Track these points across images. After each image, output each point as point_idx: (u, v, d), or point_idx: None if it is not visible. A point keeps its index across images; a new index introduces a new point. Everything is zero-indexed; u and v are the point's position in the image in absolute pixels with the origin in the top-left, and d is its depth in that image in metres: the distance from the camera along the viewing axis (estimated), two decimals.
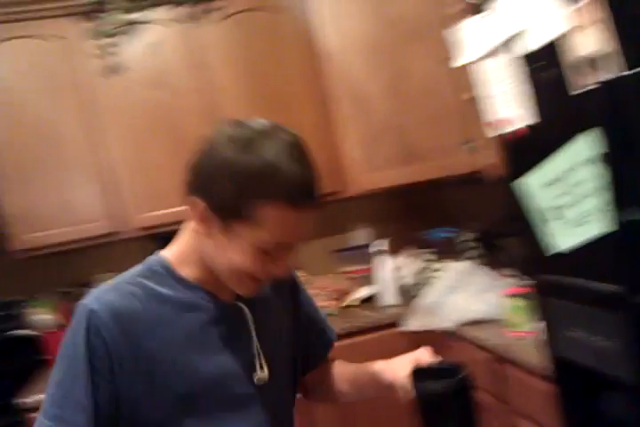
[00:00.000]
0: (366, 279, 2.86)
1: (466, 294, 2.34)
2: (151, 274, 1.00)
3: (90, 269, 2.66)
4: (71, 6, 2.49)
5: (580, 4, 1.18)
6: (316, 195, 0.93)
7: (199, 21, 2.62)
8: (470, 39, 1.59)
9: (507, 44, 1.43)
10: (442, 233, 2.86)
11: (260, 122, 0.94)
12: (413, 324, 2.41)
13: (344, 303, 2.79)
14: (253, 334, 1.04)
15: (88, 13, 2.50)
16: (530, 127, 1.43)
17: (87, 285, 2.43)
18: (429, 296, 2.47)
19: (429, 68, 2.56)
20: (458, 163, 2.50)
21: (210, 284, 1.01)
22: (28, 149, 2.49)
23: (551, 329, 1.52)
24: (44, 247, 2.50)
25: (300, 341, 1.18)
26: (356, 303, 2.80)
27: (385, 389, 1.06)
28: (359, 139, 2.66)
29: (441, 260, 2.75)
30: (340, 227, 3.09)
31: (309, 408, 2.38)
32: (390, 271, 2.71)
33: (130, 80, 2.56)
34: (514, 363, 1.90)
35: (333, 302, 2.73)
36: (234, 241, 0.92)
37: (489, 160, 2.33)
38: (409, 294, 2.74)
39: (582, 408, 1.47)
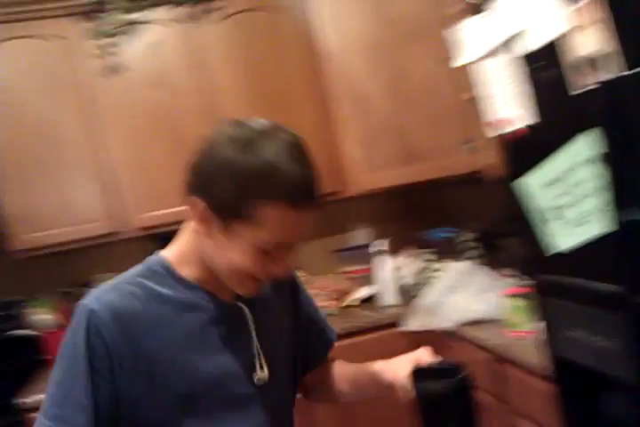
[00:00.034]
0: (366, 279, 2.86)
1: (466, 294, 2.34)
2: (151, 274, 1.00)
3: (90, 269, 2.66)
4: (71, 6, 2.49)
5: (580, 3, 1.18)
6: (316, 195, 0.93)
7: (199, 21, 2.62)
8: (470, 39, 1.59)
9: (507, 44, 1.43)
10: (442, 233, 2.86)
11: (259, 122, 0.94)
12: (413, 324, 2.41)
13: (344, 303, 2.79)
14: (253, 334, 1.04)
15: (88, 13, 2.50)
16: (530, 127, 1.43)
17: (87, 285, 2.43)
18: (429, 296, 2.47)
19: (429, 68, 2.56)
20: (458, 163, 2.50)
21: (210, 284, 1.01)
22: (28, 148, 2.49)
23: (551, 329, 1.52)
24: (44, 247, 2.50)
25: (300, 341, 1.18)
26: (356, 303, 2.80)
27: (385, 389, 1.06)
28: (359, 139, 2.66)
29: (441, 260, 2.75)
30: (339, 227, 3.09)
31: (310, 408, 2.38)
32: (390, 271, 2.71)
33: (130, 80, 2.56)
34: (514, 363, 1.90)
35: (333, 302, 2.73)
36: (234, 241, 0.92)
37: (489, 160, 2.33)
38: (409, 294, 2.74)
39: (582, 408, 1.47)
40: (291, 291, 1.18)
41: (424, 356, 1.02)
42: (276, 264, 0.95)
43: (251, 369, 1.03)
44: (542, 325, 1.57)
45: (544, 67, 1.32)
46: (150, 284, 0.99)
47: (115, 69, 2.54)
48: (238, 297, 1.03)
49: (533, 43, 1.34)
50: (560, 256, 1.40)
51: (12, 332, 2.56)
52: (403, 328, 2.44)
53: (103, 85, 2.54)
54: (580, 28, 1.18)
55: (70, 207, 2.53)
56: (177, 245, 1.03)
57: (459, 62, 1.66)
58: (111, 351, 0.92)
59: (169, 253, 1.03)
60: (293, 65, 2.72)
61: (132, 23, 2.53)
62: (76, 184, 2.55)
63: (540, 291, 1.55)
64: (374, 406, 2.39)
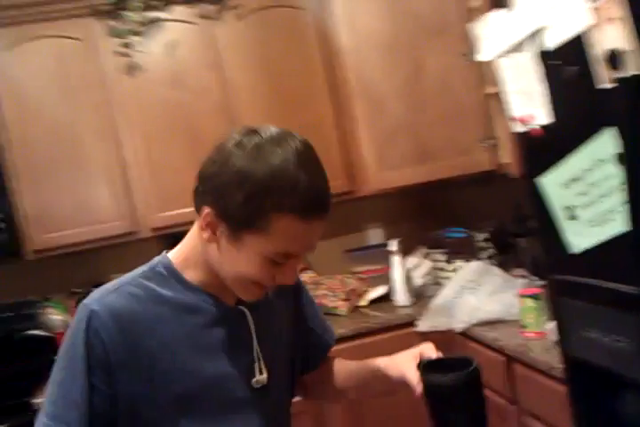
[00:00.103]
0: (378, 279, 2.86)
1: (479, 295, 2.33)
2: (153, 275, 1.01)
3: (104, 269, 2.67)
4: (90, 6, 2.50)
5: (601, 0, 1.17)
6: (327, 206, 0.92)
7: (217, 20, 2.63)
8: (492, 34, 1.56)
9: (529, 40, 1.42)
10: (454, 233, 2.86)
11: (270, 129, 0.93)
12: (425, 324, 2.41)
13: (355, 304, 2.79)
14: (254, 337, 1.04)
15: (107, 13, 2.51)
16: (549, 125, 1.41)
17: (101, 285, 2.44)
18: (442, 296, 2.46)
19: (445, 66, 2.53)
20: (473, 161, 2.49)
21: (213, 287, 1.01)
22: (43, 148, 2.50)
23: (565, 329, 1.51)
24: (59, 248, 2.52)
25: (300, 342, 1.18)
26: (367, 304, 2.80)
27: (390, 384, 1.06)
28: (374, 137, 2.64)
29: (454, 260, 2.74)
30: (352, 226, 3.09)
31: (319, 410, 2.39)
32: (402, 271, 2.70)
33: (147, 80, 2.57)
34: (526, 363, 1.90)
35: (344, 303, 2.72)
36: (241, 250, 0.92)
37: (504, 159, 2.33)
38: (421, 294, 2.74)
39: (596, 409, 1.47)
40: (293, 292, 1.18)
41: (428, 350, 1.02)
42: (283, 272, 0.96)
43: (250, 372, 1.03)
44: (556, 325, 1.56)
45: (565, 63, 1.31)
46: (152, 285, 0.99)
47: (132, 69, 2.55)
48: (241, 300, 1.03)
49: (554, 39, 1.32)
50: (575, 256, 1.39)
51: (26, 332, 2.58)
52: (414, 329, 2.44)
53: (120, 85, 2.56)
54: (601, 24, 1.18)
55: (85, 208, 2.54)
56: (183, 247, 1.04)
57: (480, 58, 1.65)
58: (109, 351, 0.93)
59: (174, 255, 1.04)
60: (310, 63, 2.72)
61: (150, 22, 2.54)
62: (92, 184, 2.56)
63: (555, 291, 1.54)
64: (384, 406, 2.39)
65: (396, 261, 2.70)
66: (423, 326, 2.41)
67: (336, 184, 2.70)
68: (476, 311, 2.27)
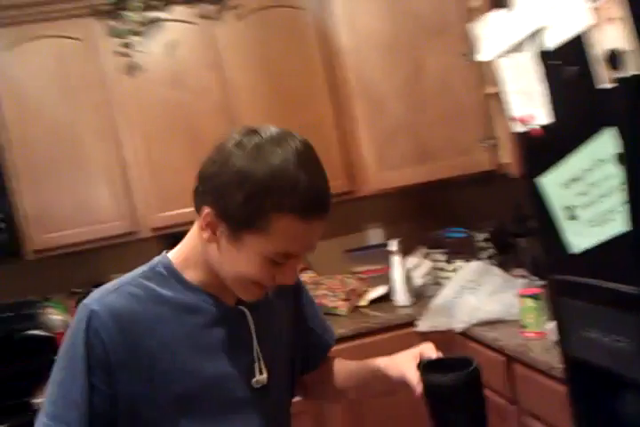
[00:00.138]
0: (378, 279, 2.86)
1: (479, 295, 2.33)
2: (153, 275, 1.01)
3: (104, 269, 2.67)
4: (90, 6, 2.50)
5: (600, 0, 1.17)
6: (327, 206, 0.93)
7: (216, 20, 2.63)
8: (492, 34, 1.56)
9: (529, 40, 1.42)
10: (454, 233, 2.86)
11: (270, 129, 0.93)
12: (425, 324, 2.41)
13: (355, 304, 2.79)
14: (254, 337, 1.05)
15: (107, 13, 2.51)
16: (549, 125, 1.41)
17: (101, 285, 2.44)
18: (442, 296, 2.46)
19: (445, 66, 2.53)
20: (473, 161, 2.49)
21: (213, 287, 1.01)
22: (43, 149, 2.50)
23: (565, 329, 1.52)
24: (59, 248, 2.52)
25: (300, 342, 1.18)
26: (367, 304, 2.80)
27: (390, 384, 1.06)
28: (373, 137, 2.64)
29: (454, 260, 2.75)
30: (352, 226, 3.09)
31: (319, 410, 2.39)
32: (402, 271, 2.70)
33: (147, 80, 2.57)
34: (525, 363, 1.90)
35: (344, 303, 2.72)
36: (241, 250, 0.92)
37: (504, 159, 2.33)
38: (421, 294, 2.74)
39: (595, 409, 1.47)
40: (293, 292, 1.18)
41: (428, 350, 1.02)
42: (283, 272, 0.96)
43: (250, 372, 1.03)
44: (556, 325, 1.56)
45: (563, 64, 1.31)
46: (152, 285, 0.99)
47: (132, 69, 2.55)
48: (241, 300, 1.03)
49: (555, 39, 1.32)
50: (575, 256, 1.39)
51: (26, 332, 2.58)
52: (414, 329, 2.44)
53: (120, 85, 2.56)
54: (601, 24, 1.18)
55: (85, 208, 2.54)
56: (183, 247, 1.04)
57: (480, 58, 1.65)
58: (109, 351, 0.93)
59: (174, 255, 1.04)
60: (310, 63, 2.73)
61: (150, 22, 2.54)
62: (92, 184, 2.56)
63: (555, 291, 1.54)
64: (384, 406, 2.40)
65: (396, 261, 2.71)
66: (423, 326, 2.41)
67: (336, 184, 2.70)
68: (476, 311, 2.27)
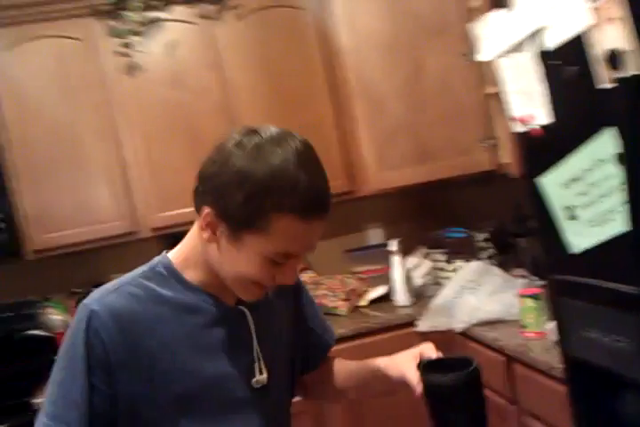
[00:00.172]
0: (378, 279, 2.86)
1: (479, 295, 2.33)
2: (153, 275, 1.01)
3: (104, 269, 2.67)
4: (90, 6, 2.50)
5: (600, 0, 1.17)
6: (327, 206, 0.93)
7: (216, 20, 2.63)
8: (492, 34, 1.56)
9: (529, 40, 1.42)
10: (454, 233, 2.86)
11: (270, 129, 0.94)
12: (425, 324, 2.41)
13: (355, 304, 2.79)
14: (254, 337, 1.05)
15: (107, 13, 2.51)
16: (549, 125, 1.41)
17: (101, 285, 2.44)
18: (442, 296, 2.46)
19: (445, 66, 2.53)
20: (472, 161, 2.49)
21: (213, 287, 1.01)
22: (43, 148, 2.50)
23: (565, 329, 1.52)
24: (59, 248, 2.52)
25: (300, 342, 1.18)
26: (367, 304, 2.80)
27: (390, 384, 1.06)
28: (374, 137, 2.64)
29: (454, 260, 2.75)
30: (352, 226, 3.09)
31: (319, 410, 2.39)
32: (402, 271, 2.70)
33: (147, 80, 2.57)
34: (525, 363, 1.90)
35: (344, 303, 2.72)
36: (241, 250, 0.92)
37: (504, 159, 2.33)
38: (421, 294, 2.74)
39: (596, 409, 1.47)
40: (293, 292, 1.18)
41: (428, 350, 1.02)
42: (283, 272, 0.96)
43: (250, 372, 1.03)
44: (556, 325, 1.56)
45: (563, 64, 1.31)
46: (152, 285, 0.99)
47: (132, 69, 2.55)
48: (241, 300, 1.03)
49: (555, 39, 1.32)
50: (575, 256, 1.39)
51: (26, 332, 2.58)
52: (414, 329, 2.44)
53: (120, 85, 2.56)
54: (599, 25, 1.18)
55: (85, 208, 2.54)
56: (183, 247, 1.04)
57: (480, 58, 1.65)
58: (109, 351, 0.93)
59: (174, 255, 1.04)
60: (310, 63, 2.73)
61: (150, 22, 2.54)
62: (92, 184, 2.56)
63: (555, 291, 1.54)
64: (384, 406, 2.39)
65: (396, 261, 2.71)
66: (423, 326, 2.41)
67: (336, 184, 2.70)
68: (476, 311, 2.27)
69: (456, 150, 2.55)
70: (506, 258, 2.61)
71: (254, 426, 1.04)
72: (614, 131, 1.20)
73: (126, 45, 2.53)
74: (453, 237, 2.85)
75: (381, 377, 1.07)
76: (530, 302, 2.01)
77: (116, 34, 2.52)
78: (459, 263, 2.68)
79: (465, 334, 2.27)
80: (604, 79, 1.20)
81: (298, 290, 1.19)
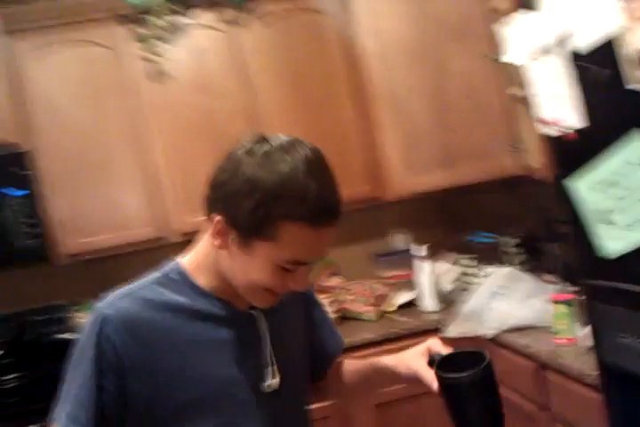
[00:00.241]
0: (405, 285, 2.84)
1: (510, 301, 2.30)
2: (166, 281, 1.01)
3: (134, 274, 2.69)
4: (118, 13, 2.53)
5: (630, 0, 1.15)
6: (336, 214, 0.92)
7: (241, 25, 2.65)
8: (520, 36, 1.55)
9: (558, 42, 1.40)
10: (483, 238, 2.83)
11: (281, 137, 0.94)
12: (454, 330, 2.38)
13: (382, 309, 2.77)
14: (268, 342, 1.05)
15: (133, 18, 2.54)
16: (581, 128, 1.39)
17: None
18: (472, 302, 2.43)
19: (471, 68, 2.50)
20: (499, 166, 2.46)
21: (225, 293, 1.01)
22: (74, 154, 2.53)
23: (599, 335, 1.49)
24: (90, 253, 2.55)
25: (311, 349, 1.18)
26: (394, 309, 2.78)
27: (397, 382, 1.08)
28: (399, 142, 2.63)
29: (482, 265, 2.71)
30: (378, 232, 3.08)
31: (346, 415, 2.38)
32: (430, 277, 2.68)
33: (175, 86, 2.60)
34: (557, 370, 1.87)
35: (371, 308, 2.71)
36: (252, 257, 0.93)
37: (532, 163, 2.30)
38: (449, 299, 2.71)
39: (630, 417, 1.44)
40: (306, 300, 1.18)
41: (435, 345, 1.03)
42: (295, 279, 0.96)
43: (262, 377, 1.03)
44: (589, 331, 1.53)
45: (594, 66, 1.30)
46: (165, 291, 1.00)
47: (159, 75, 2.58)
48: (253, 306, 1.03)
49: (584, 41, 1.31)
50: (610, 261, 1.37)
51: (55, 336, 2.61)
52: (442, 335, 2.42)
53: (148, 91, 2.58)
54: (630, 25, 1.16)
55: (116, 213, 2.57)
56: (194, 253, 1.04)
57: (507, 60, 1.63)
58: (121, 356, 0.94)
59: (186, 261, 1.04)
60: (334, 67, 2.73)
61: (177, 29, 2.56)
62: (122, 190, 2.59)
63: (589, 296, 1.52)
64: (411, 410, 2.38)
65: (425, 266, 2.69)
66: (452, 331, 2.38)
67: (361, 190, 2.74)
68: (506, 317, 2.24)
69: (482, 154, 2.51)
70: (536, 264, 2.57)
71: None
72: None
73: (153, 52, 2.55)
74: (483, 241, 2.82)
75: (390, 375, 1.09)
76: (562, 308, 1.98)
77: (143, 40, 2.55)
78: (488, 269, 2.65)
79: (495, 341, 2.24)
80: (636, 80, 1.18)
81: (309, 298, 1.20)
